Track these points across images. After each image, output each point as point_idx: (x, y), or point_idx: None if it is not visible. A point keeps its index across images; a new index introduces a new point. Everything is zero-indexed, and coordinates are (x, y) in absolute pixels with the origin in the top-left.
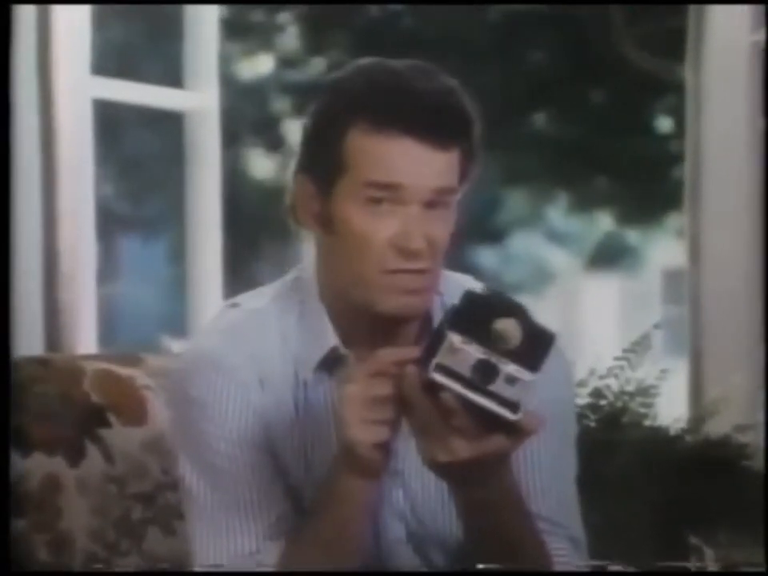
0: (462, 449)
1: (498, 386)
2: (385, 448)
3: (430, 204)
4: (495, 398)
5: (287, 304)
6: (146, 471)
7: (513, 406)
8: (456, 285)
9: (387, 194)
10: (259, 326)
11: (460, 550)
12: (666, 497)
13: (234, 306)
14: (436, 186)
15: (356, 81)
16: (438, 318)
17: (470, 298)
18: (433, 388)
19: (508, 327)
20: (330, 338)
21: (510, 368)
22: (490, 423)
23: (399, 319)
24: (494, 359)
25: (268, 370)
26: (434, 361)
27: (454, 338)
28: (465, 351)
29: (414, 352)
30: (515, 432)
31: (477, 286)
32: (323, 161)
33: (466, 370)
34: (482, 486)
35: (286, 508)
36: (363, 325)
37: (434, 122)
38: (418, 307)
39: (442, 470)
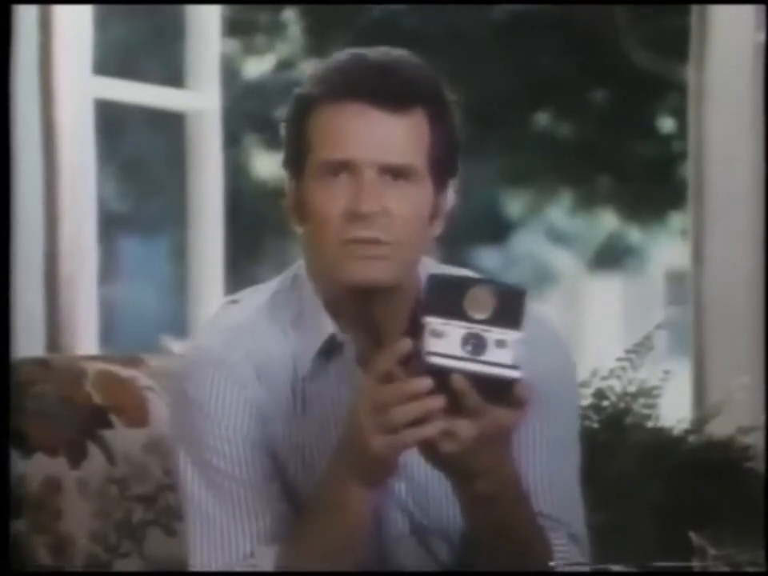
0: (466, 429)
1: (490, 354)
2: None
3: (387, 171)
4: (494, 365)
5: (286, 300)
6: (148, 472)
7: (512, 367)
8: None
9: (342, 167)
10: (258, 323)
11: (464, 543)
12: (668, 497)
13: (234, 302)
14: (391, 152)
15: (321, 67)
16: None
17: (434, 280)
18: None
19: (479, 296)
20: (328, 327)
21: (494, 333)
22: (488, 397)
23: (372, 292)
24: (476, 330)
25: (266, 366)
26: (424, 350)
27: (433, 322)
28: (448, 330)
29: (407, 343)
30: (514, 403)
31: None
32: (293, 148)
33: (456, 349)
34: (486, 477)
35: (282, 508)
36: (354, 310)
37: (385, 83)
38: (379, 276)
39: (447, 461)
